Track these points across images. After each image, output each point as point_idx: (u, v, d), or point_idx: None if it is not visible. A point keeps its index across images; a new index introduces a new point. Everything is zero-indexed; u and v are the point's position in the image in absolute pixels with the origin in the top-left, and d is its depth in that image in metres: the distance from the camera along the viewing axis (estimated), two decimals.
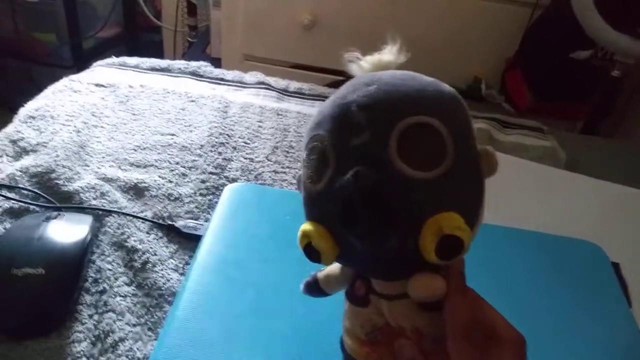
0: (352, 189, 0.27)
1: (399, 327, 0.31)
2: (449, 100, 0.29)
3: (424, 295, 0.29)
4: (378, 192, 0.27)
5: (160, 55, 1.71)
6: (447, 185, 0.27)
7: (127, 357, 0.41)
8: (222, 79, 0.85)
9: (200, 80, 0.84)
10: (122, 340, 0.42)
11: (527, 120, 0.81)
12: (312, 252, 0.30)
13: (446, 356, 0.28)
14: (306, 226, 0.30)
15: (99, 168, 0.61)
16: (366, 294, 0.32)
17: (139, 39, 1.75)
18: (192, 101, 0.77)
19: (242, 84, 0.84)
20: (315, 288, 0.37)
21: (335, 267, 0.35)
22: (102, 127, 0.69)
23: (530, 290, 0.49)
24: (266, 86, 0.84)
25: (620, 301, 0.49)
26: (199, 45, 1.60)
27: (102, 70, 0.84)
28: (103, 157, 0.63)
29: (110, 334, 0.42)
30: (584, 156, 0.74)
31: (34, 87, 0.76)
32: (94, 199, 0.55)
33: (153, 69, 0.86)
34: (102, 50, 1.51)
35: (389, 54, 0.32)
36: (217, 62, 1.38)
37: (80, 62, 1.48)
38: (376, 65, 0.32)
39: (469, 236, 0.27)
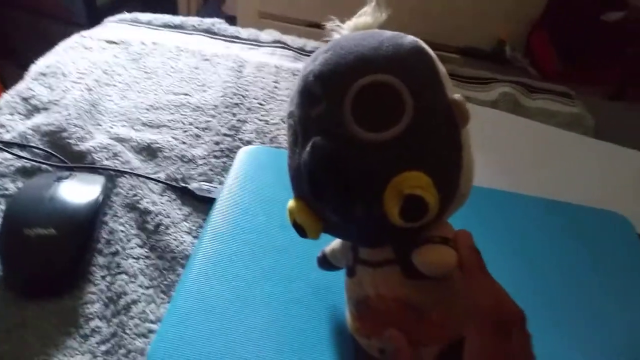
0: (312, 162, 0.26)
1: (379, 296, 0.30)
2: (407, 54, 0.27)
3: (436, 269, 0.27)
4: (335, 161, 0.26)
5: (174, 12, 1.67)
6: (407, 143, 0.26)
7: (139, 319, 0.40)
8: (236, 37, 0.82)
9: (215, 38, 0.82)
10: (134, 302, 0.42)
11: (554, 85, 0.77)
12: (298, 228, 0.30)
13: (431, 329, 0.28)
14: (290, 203, 0.30)
15: (111, 127, 0.60)
16: (354, 264, 0.32)
17: None
18: (206, 60, 0.74)
19: (257, 43, 0.82)
20: (325, 262, 0.37)
21: (338, 240, 0.35)
22: (114, 85, 0.67)
23: (554, 260, 0.47)
24: (282, 45, 0.81)
25: None
26: (214, 1, 1.56)
27: (114, 27, 0.82)
28: (115, 117, 0.62)
29: (123, 296, 0.42)
30: (613, 123, 0.71)
31: (46, 44, 0.74)
32: (106, 159, 0.53)
33: (166, 26, 0.83)
34: (116, 7, 1.47)
35: (365, 16, 0.31)
36: (232, 20, 1.34)
37: (94, 19, 1.44)
38: (355, 30, 0.31)
39: (433, 194, 0.25)
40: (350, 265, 0.33)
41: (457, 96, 0.27)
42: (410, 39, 0.28)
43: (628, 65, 1.05)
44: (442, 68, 0.28)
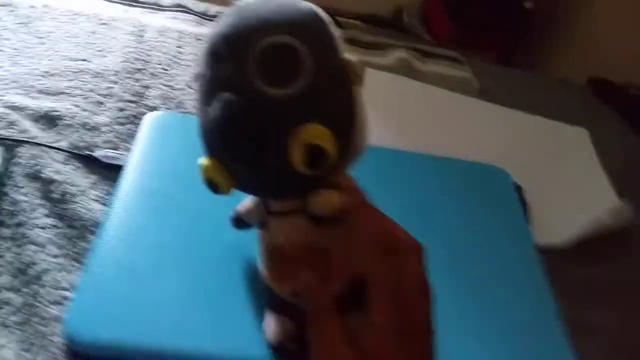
0: (221, 117, 0.29)
1: (290, 244, 0.33)
2: (304, 17, 0.30)
3: (324, 210, 0.31)
4: (243, 115, 0.29)
5: None
6: (308, 99, 0.29)
7: (52, 287, 0.40)
8: (136, 1, 0.79)
9: (112, 2, 0.78)
10: (45, 271, 0.41)
11: (446, 51, 0.83)
12: (211, 185, 0.32)
13: (335, 268, 0.31)
14: (202, 160, 0.32)
15: (3, 96, 0.56)
16: (265, 216, 0.35)
17: None
18: (104, 24, 0.71)
19: (157, 7, 0.79)
20: (239, 222, 0.39)
21: (249, 198, 0.37)
22: (2, 50, 0.63)
23: (439, 210, 0.52)
24: (184, 9, 0.80)
25: (519, 220, 0.54)
26: None
27: None
28: (7, 84, 0.58)
29: (32, 266, 0.41)
30: (497, 86, 0.78)
31: None
32: (2, 128, 0.51)
33: None
34: None
35: None
36: None
37: None
38: None
39: (331, 144, 0.28)
40: (261, 219, 0.35)
41: (350, 57, 0.31)
42: (307, 4, 0.31)
43: (510, 32, 1.14)
44: (336, 32, 0.31)
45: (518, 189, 0.58)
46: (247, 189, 0.34)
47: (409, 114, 0.68)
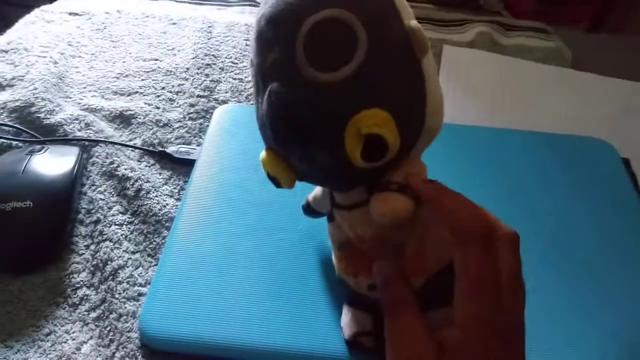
0: (270, 110, 0.26)
1: (359, 237, 0.30)
2: None
3: (385, 219, 0.26)
4: (292, 107, 0.25)
5: None
6: (363, 80, 0.24)
7: (128, 283, 0.40)
8: None
9: (181, 2, 0.79)
10: (121, 267, 0.41)
11: (530, 22, 0.76)
12: (272, 179, 0.29)
13: (409, 263, 0.28)
14: (262, 154, 0.29)
15: (81, 99, 0.58)
16: (332, 209, 0.31)
17: None
18: (174, 24, 0.72)
19: (225, 2, 0.79)
20: (310, 209, 0.37)
21: (319, 187, 0.35)
22: (80, 56, 0.65)
23: (540, 189, 0.47)
24: (251, 2, 0.79)
25: (630, 196, 0.47)
26: None
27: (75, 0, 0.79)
28: (84, 87, 0.60)
29: (109, 263, 0.41)
30: (590, 54, 0.70)
31: (3, 27, 0.71)
32: (79, 130, 0.52)
33: None
34: None
35: None
36: None
37: None
38: None
39: (391, 130, 0.24)
40: (329, 211, 0.32)
41: (413, 23, 0.26)
42: None
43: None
44: None
45: (625, 162, 0.51)
46: (309, 181, 0.31)
47: (496, 90, 0.62)
